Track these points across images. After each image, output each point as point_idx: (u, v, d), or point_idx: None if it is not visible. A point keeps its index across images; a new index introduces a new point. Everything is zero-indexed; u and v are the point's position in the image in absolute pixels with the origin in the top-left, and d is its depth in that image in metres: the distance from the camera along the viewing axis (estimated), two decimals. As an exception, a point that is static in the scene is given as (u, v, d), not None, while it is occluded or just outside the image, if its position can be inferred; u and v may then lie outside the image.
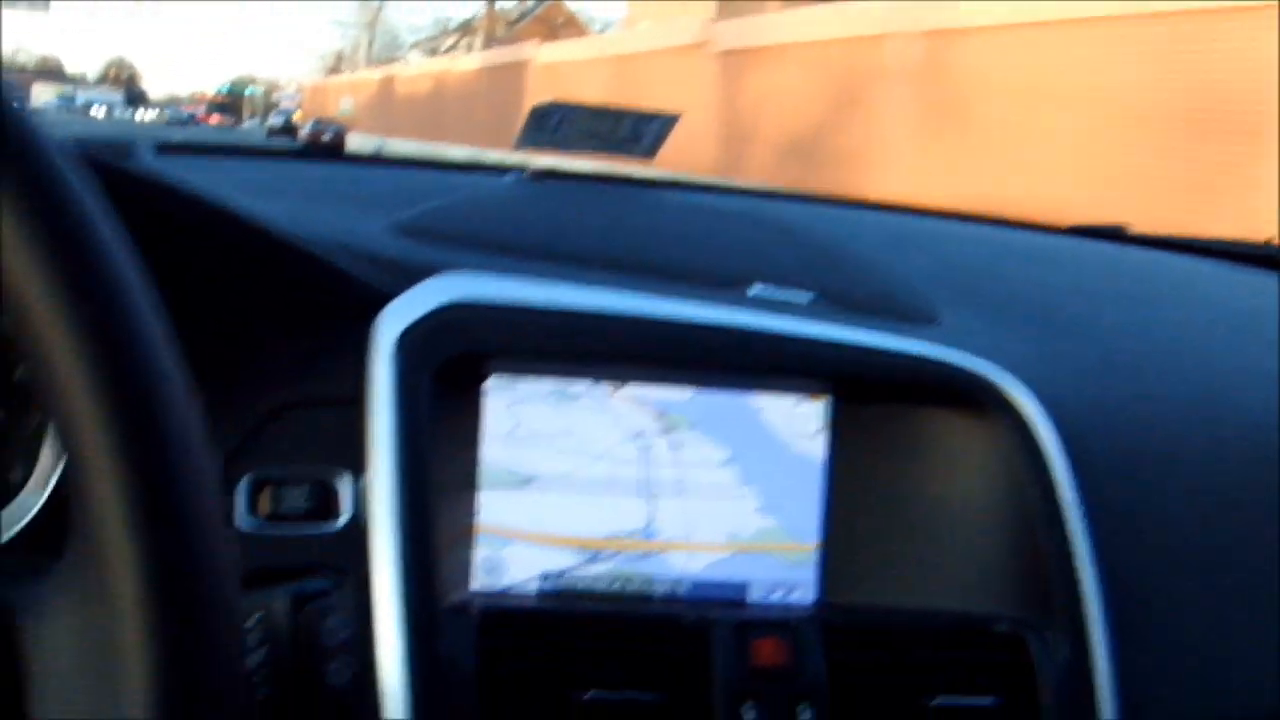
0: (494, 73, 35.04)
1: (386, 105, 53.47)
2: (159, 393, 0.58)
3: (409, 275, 1.22)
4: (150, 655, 0.56)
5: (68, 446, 0.57)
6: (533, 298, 1.23)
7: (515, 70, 32.21)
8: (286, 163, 2.04)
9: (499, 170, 1.85)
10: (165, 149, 1.78)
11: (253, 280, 1.19)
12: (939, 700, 1.17)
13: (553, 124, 1.75)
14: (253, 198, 1.20)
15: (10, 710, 0.59)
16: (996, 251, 1.87)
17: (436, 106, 43.14)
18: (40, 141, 0.58)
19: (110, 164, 1.02)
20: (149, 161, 1.63)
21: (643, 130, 1.78)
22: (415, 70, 53.11)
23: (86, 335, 0.57)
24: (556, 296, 1.23)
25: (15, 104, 0.58)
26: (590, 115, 1.75)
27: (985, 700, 1.18)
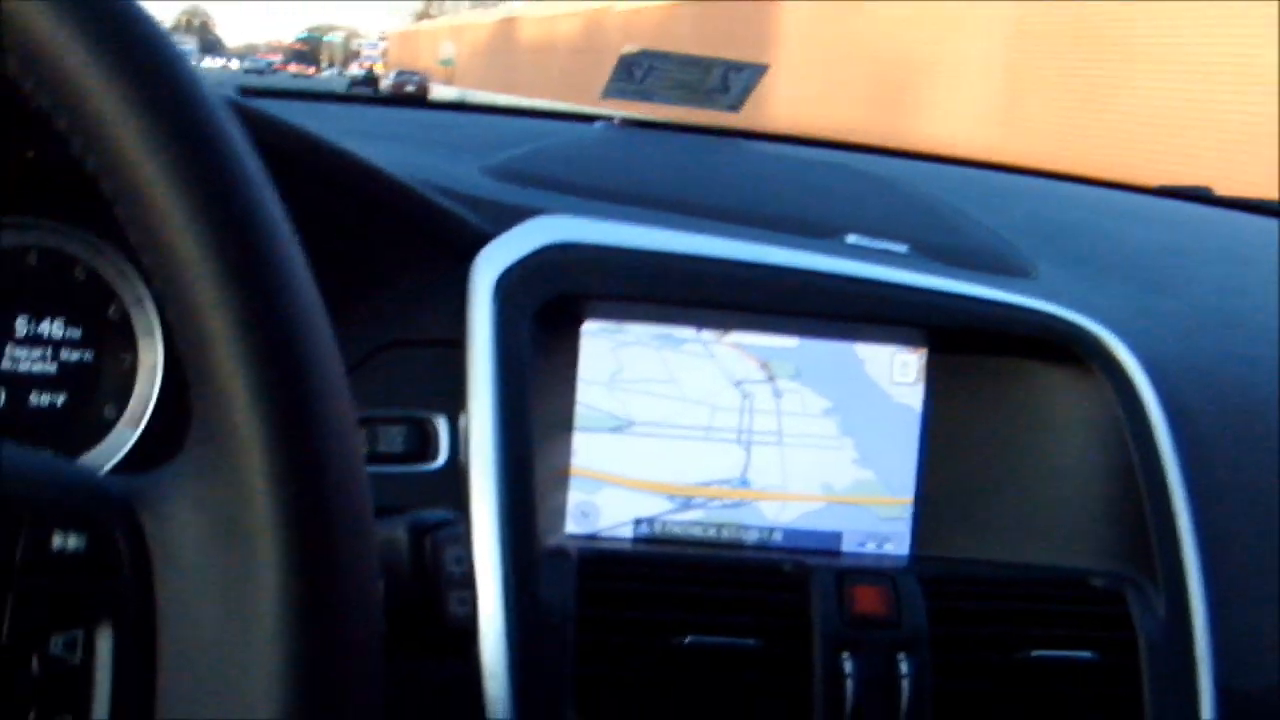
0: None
1: (500, 54, 47.42)
2: (281, 269, 0.57)
3: (506, 217, 1.22)
4: (280, 537, 0.56)
5: (186, 331, 0.57)
6: (632, 241, 1.22)
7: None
8: (369, 108, 2.04)
9: (585, 119, 1.84)
10: (248, 92, 1.78)
11: (354, 219, 1.18)
12: (1037, 653, 1.16)
13: (640, 73, 1.74)
14: (342, 140, 1.19)
15: (139, 602, 0.59)
16: (1089, 209, 1.85)
17: (565, 55, 36.79)
18: (186, 69, 0.58)
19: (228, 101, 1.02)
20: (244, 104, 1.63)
21: (731, 80, 1.77)
22: (544, 9, 45.20)
23: (217, 219, 0.56)
24: (655, 240, 1.22)
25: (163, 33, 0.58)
26: (678, 64, 1.74)
27: (1084, 654, 1.17)
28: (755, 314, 1.23)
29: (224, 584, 0.57)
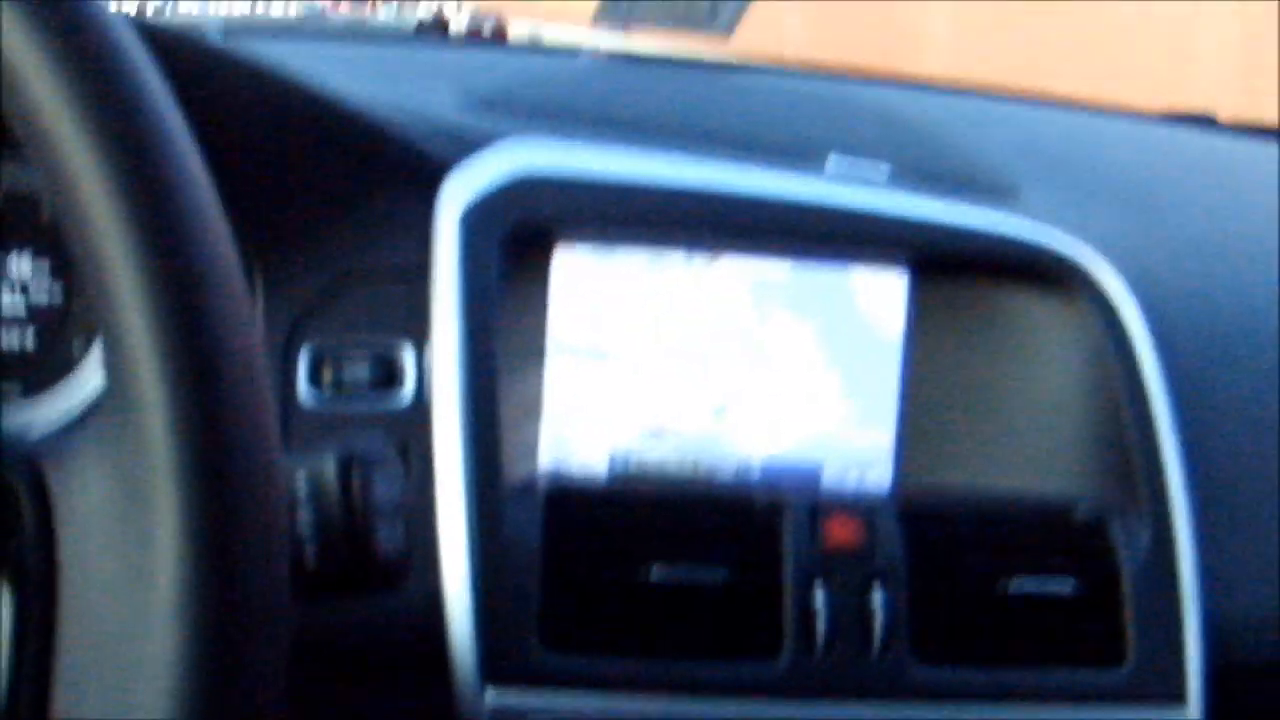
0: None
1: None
2: (191, 221, 0.56)
3: (474, 146, 1.20)
4: (179, 500, 0.54)
5: (96, 284, 0.55)
6: (603, 167, 1.19)
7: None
8: (361, 45, 2.01)
9: (573, 53, 1.82)
10: (233, 30, 1.76)
11: (314, 149, 1.16)
12: (1016, 583, 1.15)
13: (629, 2, 1.71)
14: (318, 75, 1.18)
15: (40, 560, 0.57)
16: (1081, 132, 1.82)
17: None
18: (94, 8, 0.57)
19: (166, 32, 1.00)
20: (215, 41, 1.61)
21: (719, 9, 1.74)
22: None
23: (120, 171, 0.54)
24: (627, 166, 1.20)
25: None
26: (668, -9, 1.72)
27: (1064, 584, 1.16)
28: (724, 239, 1.21)
29: (124, 545, 0.56)
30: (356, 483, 0.71)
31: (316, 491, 0.70)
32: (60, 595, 0.58)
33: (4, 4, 0.54)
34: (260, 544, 0.57)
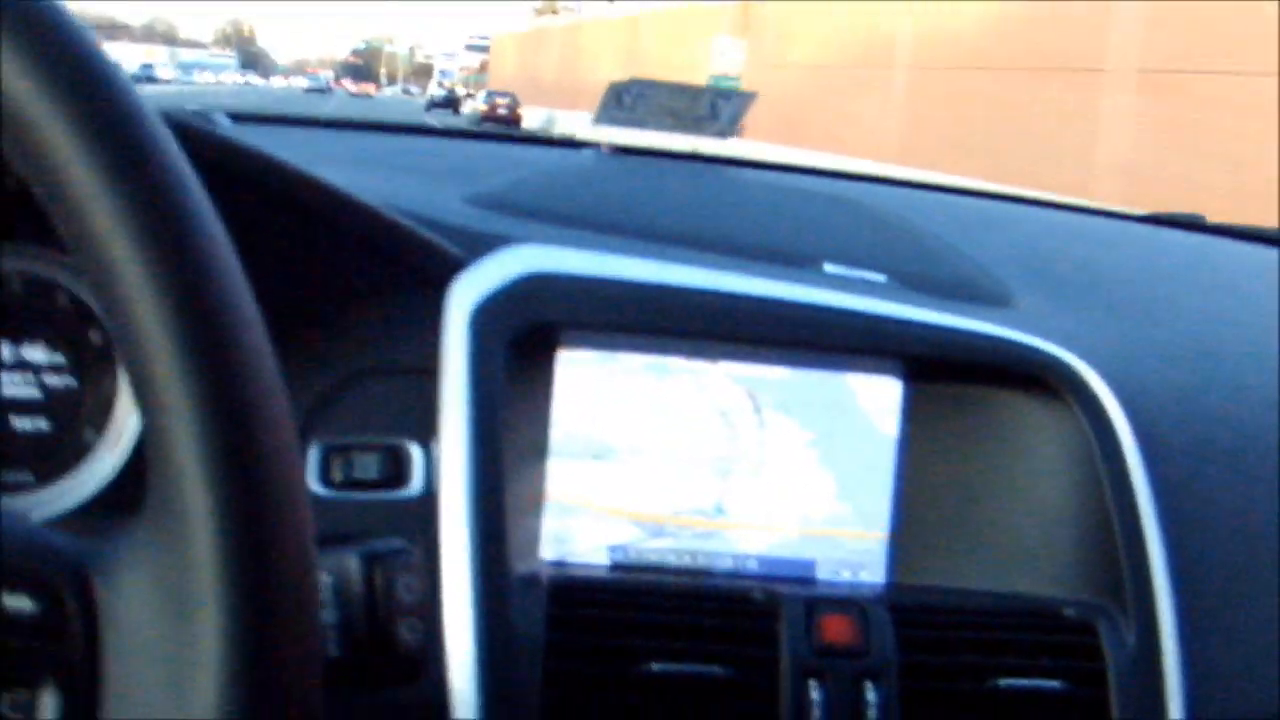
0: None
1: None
2: (240, 346, 0.58)
3: (483, 246, 1.23)
4: (225, 614, 0.56)
5: (145, 401, 0.57)
6: (606, 270, 1.23)
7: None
8: (362, 134, 2.05)
9: (578, 145, 1.85)
10: (240, 118, 1.79)
11: (325, 247, 1.19)
12: (1006, 683, 1.17)
13: (630, 100, 1.75)
14: (327, 166, 1.20)
15: (86, 666, 0.59)
16: (1070, 236, 1.85)
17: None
18: (133, 100, 0.59)
19: (186, 126, 1.02)
20: (228, 131, 1.64)
21: (720, 108, 1.78)
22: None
23: (169, 290, 0.56)
24: (629, 270, 1.23)
25: (107, 60, 0.58)
26: (668, 92, 1.75)
27: (1053, 684, 1.18)
28: (727, 342, 1.24)
29: (167, 656, 0.58)
30: (380, 580, 0.73)
31: (341, 587, 0.72)
32: (104, 701, 0.59)
33: (42, 99, 0.56)
34: (299, 660, 0.59)
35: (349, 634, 0.71)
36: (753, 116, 1.94)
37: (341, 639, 0.72)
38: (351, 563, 0.73)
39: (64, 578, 0.60)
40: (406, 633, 0.73)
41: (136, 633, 0.59)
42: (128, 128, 0.58)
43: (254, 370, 0.58)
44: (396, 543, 0.75)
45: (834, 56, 23.63)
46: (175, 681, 0.57)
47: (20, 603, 0.58)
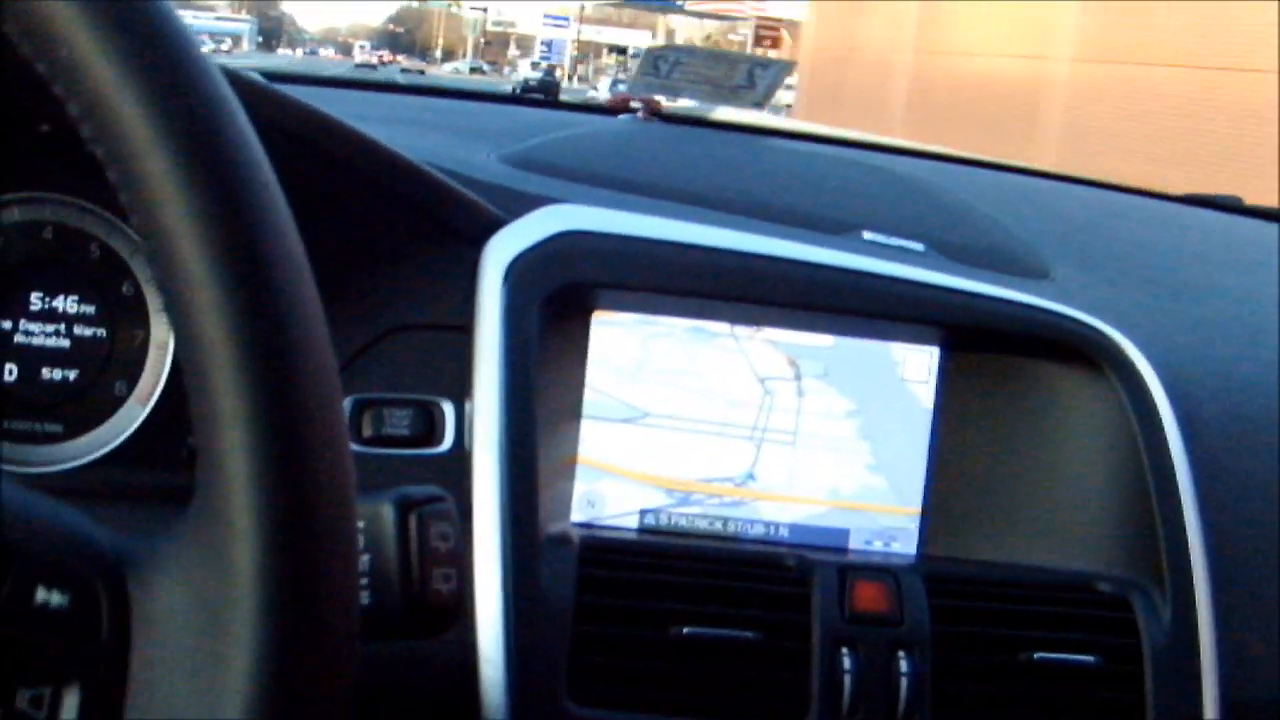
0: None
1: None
2: (295, 341, 0.57)
3: (519, 205, 1.22)
4: (258, 640, 0.55)
5: (201, 406, 0.56)
6: (643, 231, 1.21)
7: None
8: (389, 95, 2.04)
9: (610, 112, 1.84)
10: (274, 77, 1.78)
11: (364, 201, 1.18)
12: (1040, 656, 1.15)
13: (667, 67, 1.74)
14: (360, 125, 1.19)
15: (112, 666, 0.58)
16: (1109, 213, 1.84)
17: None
18: (191, 48, 0.57)
19: (235, 77, 1.02)
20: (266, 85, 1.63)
21: (757, 77, 1.77)
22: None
23: (219, 228, 0.55)
24: (666, 231, 1.22)
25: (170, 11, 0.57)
26: (705, 59, 1.74)
27: (1087, 659, 1.16)
28: (762, 306, 1.22)
29: (197, 665, 0.56)
30: (414, 527, 0.72)
31: (374, 535, 0.71)
32: (126, 706, 0.58)
33: (107, 58, 0.55)
34: (331, 678, 0.58)
35: (380, 582, 0.70)
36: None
37: (372, 587, 0.70)
38: (385, 509, 0.72)
39: (100, 576, 0.58)
40: (440, 582, 0.72)
41: (168, 638, 0.57)
42: (189, 73, 0.57)
43: (313, 374, 0.57)
44: (433, 489, 0.74)
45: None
46: (201, 694, 0.56)
47: (52, 598, 0.57)
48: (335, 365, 0.59)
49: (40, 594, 0.57)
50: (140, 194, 0.56)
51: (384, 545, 0.72)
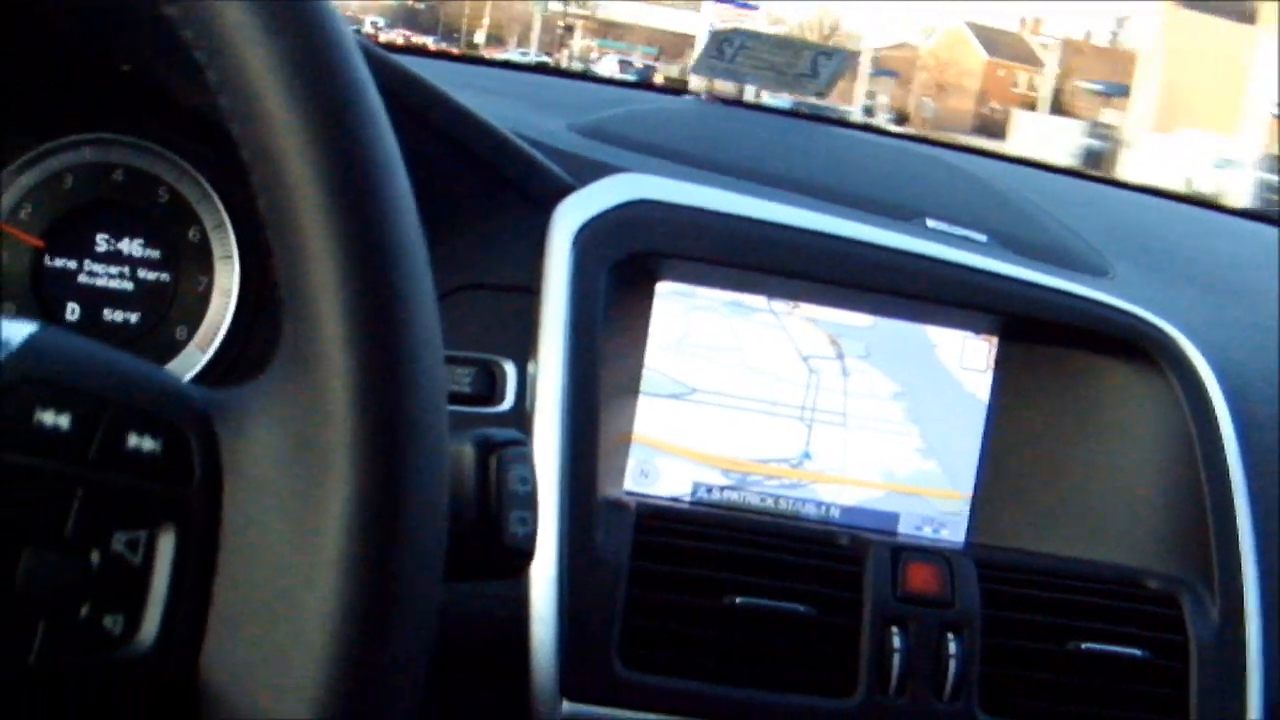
0: None
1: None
2: (394, 214, 0.58)
3: (589, 172, 1.22)
4: (353, 467, 0.56)
5: (289, 251, 0.57)
6: (711, 204, 1.22)
7: None
8: (450, 63, 2.05)
9: (674, 92, 1.85)
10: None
11: (443, 160, 1.19)
12: (1087, 646, 1.16)
13: (731, 51, 1.74)
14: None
15: (206, 510, 0.59)
16: (1170, 220, 1.84)
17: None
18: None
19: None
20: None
21: (820, 66, 1.77)
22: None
23: (331, 149, 0.56)
24: (734, 205, 1.22)
25: None
26: (770, 46, 1.75)
27: (1134, 652, 1.17)
28: (829, 286, 1.23)
29: (291, 505, 0.57)
30: (494, 468, 0.72)
31: (454, 473, 0.72)
32: (221, 546, 0.59)
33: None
34: (425, 519, 0.58)
35: (457, 521, 0.71)
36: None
37: (451, 525, 0.71)
38: (466, 449, 0.72)
39: (189, 421, 0.59)
40: (517, 525, 0.72)
41: (260, 480, 0.58)
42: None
43: (401, 226, 0.58)
44: (513, 433, 0.74)
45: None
46: (296, 535, 0.56)
47: (144, 443, 0.58)
48: (423, 238, 0.60)
49: (132, 439, 0.58)
50: (245, 86, 0.57)
51: (463, 484, 0.72)
